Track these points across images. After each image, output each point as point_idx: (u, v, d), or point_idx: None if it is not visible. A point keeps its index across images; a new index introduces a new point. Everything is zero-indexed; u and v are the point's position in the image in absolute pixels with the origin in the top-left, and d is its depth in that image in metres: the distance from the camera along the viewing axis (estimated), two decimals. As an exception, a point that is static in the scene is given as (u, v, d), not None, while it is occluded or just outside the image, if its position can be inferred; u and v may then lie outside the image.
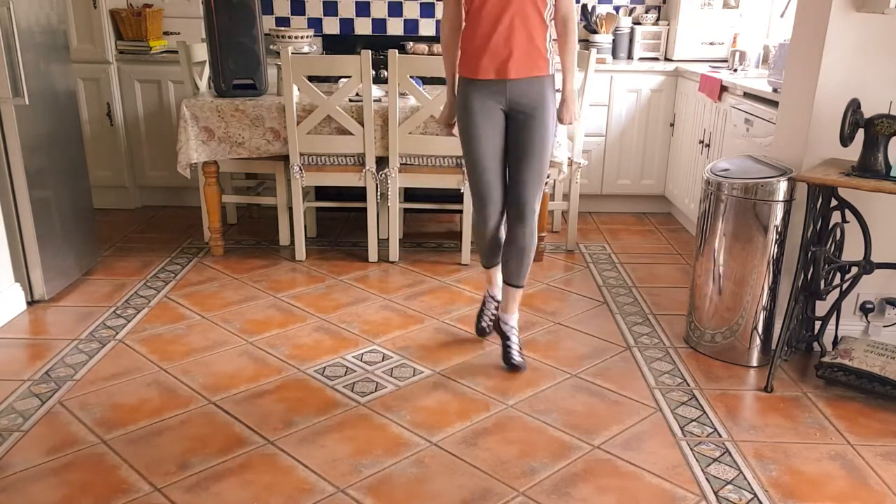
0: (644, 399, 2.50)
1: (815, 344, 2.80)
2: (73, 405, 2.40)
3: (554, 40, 2.51)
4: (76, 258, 3.37)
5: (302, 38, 4.17)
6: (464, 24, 2.52)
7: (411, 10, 4.79)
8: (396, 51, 3.33)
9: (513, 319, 2.75)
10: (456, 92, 2.60)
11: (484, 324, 2.90)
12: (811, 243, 2.54)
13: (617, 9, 4.77)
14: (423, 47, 4.51)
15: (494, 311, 2.87)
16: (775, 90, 3.18)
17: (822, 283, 2.58)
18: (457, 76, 2.59)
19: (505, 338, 2.73)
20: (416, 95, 3.38)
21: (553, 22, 2.50)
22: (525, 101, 2.49)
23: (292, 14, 4.78)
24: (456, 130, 2.66)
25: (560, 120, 2.61)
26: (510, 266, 2.65)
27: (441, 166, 3.54)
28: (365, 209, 3.67)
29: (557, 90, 2.59)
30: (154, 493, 1.99)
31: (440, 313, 3.14)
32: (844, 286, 2.67)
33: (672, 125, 4.45)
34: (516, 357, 2.68)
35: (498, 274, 2.82)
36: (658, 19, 4.74)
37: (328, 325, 3.02)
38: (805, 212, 2.51)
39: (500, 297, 2.84)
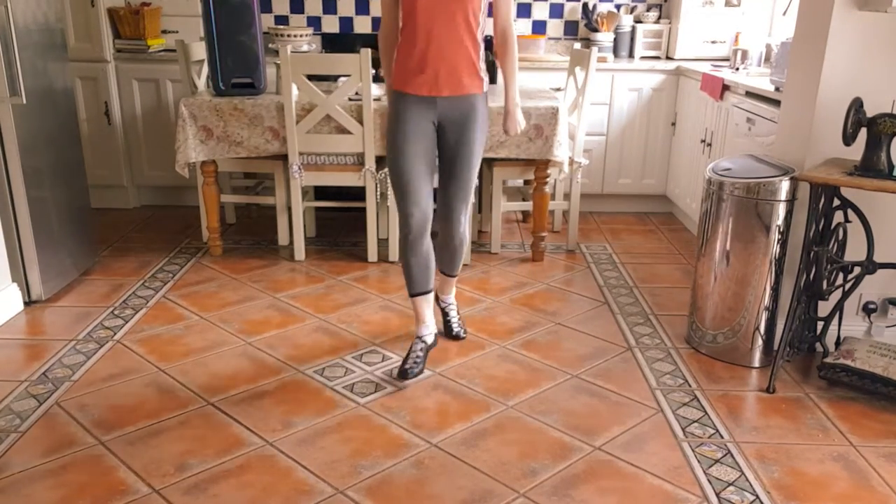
0: (645, 400, 2.49)
1: (818, 344, 2.79)
2: (71, 406, 2.39)
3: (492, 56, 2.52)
4: (74, 258, 3.36)
5: (301, 36, 4.16)
6: (399, 37, 2.50)
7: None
8: (396, 49, 3.31)
9: (450, 297, 2.93)
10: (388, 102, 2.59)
11: (408, 365, 2.57)
12: (813, 243, 2.53)
13: (618, 7, 4.76)
14: (423, 46, 4.49)
15: (420, 353, 2.63)
16: (777, 89, 3.17)
17: (825, 283, 2.56)
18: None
19: (444, 314, 2.92)
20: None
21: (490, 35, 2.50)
22: (456, 116, 2.50)
23: (291, 12, 4.76)
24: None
25: (505, 131, 2.66)
26: (444, 262, 2.78)
27: (441, 165, 3.52)
28: (364, 209, 3.66)
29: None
30: (152, 494, 1.97)
31: (440, 313, 3.12)
32: (847, 286, 2.65)
33: (673, 124, 4.44)
34: (455, 327, 2.90)
35: (427, 309, 2.69)
36: (659, 18, 4.73)
37: (327, 325, 3.00)
38: (807, 211, 2.50)
39: (429, 340, 2.70)
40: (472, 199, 2.70)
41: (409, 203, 2.53)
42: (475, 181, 2.64)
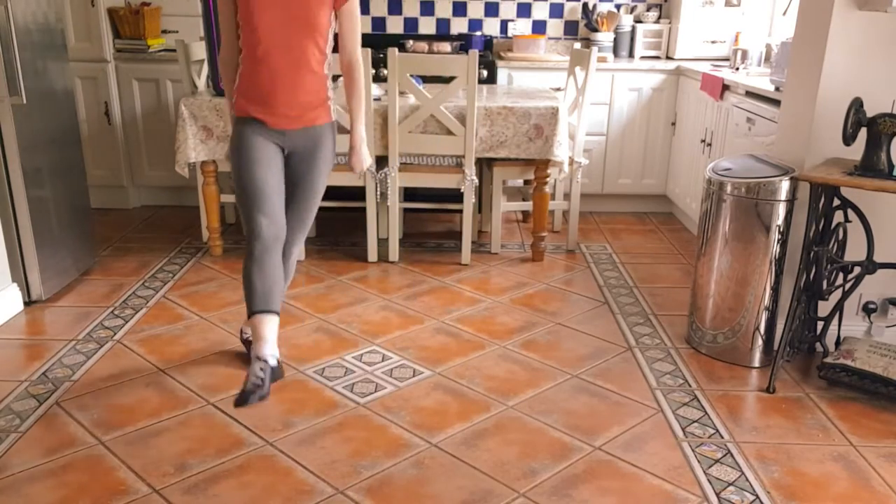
0: (645, 400, 2.49)
1: (818, 344, 2.78)
2: (71, 406, 2.39)
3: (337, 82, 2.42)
4: (74, 258, 3.35)
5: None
6: (240, 62, 2.39)
7: (411, 8, 4.77)
8: (396, 49, 3.31)
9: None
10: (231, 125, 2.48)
11: (247, 388, 2.23)
12: (813, 243, 2.53)
13: (618, 7, 4.76)
14: (424, 45, 4.49)
15: (261, 374, 2.26)
16: (777, 89, 3.17)
17: (825, 283, 2.56)
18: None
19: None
20: (416, 94, 3.36)
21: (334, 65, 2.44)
22: (302, 147, 2.44)
23: (291, 12, 4.75)
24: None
25: (350, 167, 2.60)
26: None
27: (441, 165, 3.53)
28: (364, 209, 3.65)
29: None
30: (152, 494, 1.97)
31: (440, 313, 3.12)
32: (847, 286, 2.65)
33: (673, 124, 4.44)
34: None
35: (271, 327, 2.34)
36: (659, 17, 4.73)
37: (327, 325, 3.00)
38: (807, 211, 2.50)
39: (271, 360, 2.31)
40: (307, 232, 2.61)
41: (258, 212, 2.36)
42: (314, 212, 2.56)
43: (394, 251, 3.69)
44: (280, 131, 2.41)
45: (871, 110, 2.45)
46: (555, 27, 4.82)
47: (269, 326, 2.32)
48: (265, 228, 2.37)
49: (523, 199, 4.12)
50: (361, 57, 2.53)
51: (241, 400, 2.22)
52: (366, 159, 2.62)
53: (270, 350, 2.31)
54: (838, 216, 2.60)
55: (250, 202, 2.39)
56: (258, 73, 2.34)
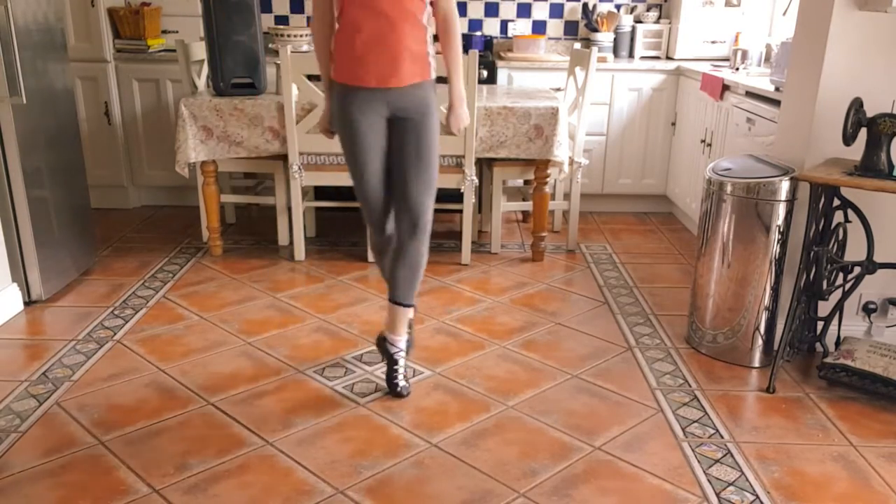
0: (645, 400, 2.49)
1: (818, 344, 2.79)
2: (71, 406, 2.39)
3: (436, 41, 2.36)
4: (74, 258, 3.35)
5: (301, 36, 4.16)
6: (336, 24, 2.33)
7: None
8: (396, 49, 3.30)
9: (401, 341, 2.50)
10: (333, 97, 2.42)
11: (399, 381, 2.50)
12: (813, 243, 2.53)
13: (618, 7, 4.76)
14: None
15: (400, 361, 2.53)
16: (777, 89, 3.17)
17: (825, 283, 2.56)
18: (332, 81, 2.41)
19: (392, 361, 2.48)
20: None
21: (434, 21, 2.35)
22: (408, 107, 2.33)
23: (291, 12, 4.76)
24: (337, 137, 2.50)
25: (448, 128, 2.47)
26: (398, 282, 2.44)
27: (441, 165, 3.52)
28: (364, 209, 3.65)
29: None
30: (152, 494, 1.97)
31: (440, 313, 3.12)
32: (847, 286, 2.65)
33: (673, 124, 4.44)
34: (401, 382, 2.47)
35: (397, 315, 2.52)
36: (659, 18, 4.73)
37: (327, 325, 3.00)
38: (807, 211, 2.50)
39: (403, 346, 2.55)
40: (433, 201, 2.44)
41: (379, 214, 2.44)
42: (437, 179, 2.43)
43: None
44: (381, 92, 2.29)
45: (871, 110, 2.45)
46: (555, 27, 4.82)
47: (398, 316, 2.50)
48: (382, 225, 2.47)
49: (523, 199, 4.12)
50: (457, 10, 2.39)
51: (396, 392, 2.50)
52: (464, 119, 2.47)
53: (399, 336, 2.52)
54: (838, 216, 2.60)
55: (365, 203, 2.45)
56: (354, 28, 2.25)
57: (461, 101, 2.45)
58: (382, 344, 2.54)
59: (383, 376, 2.59)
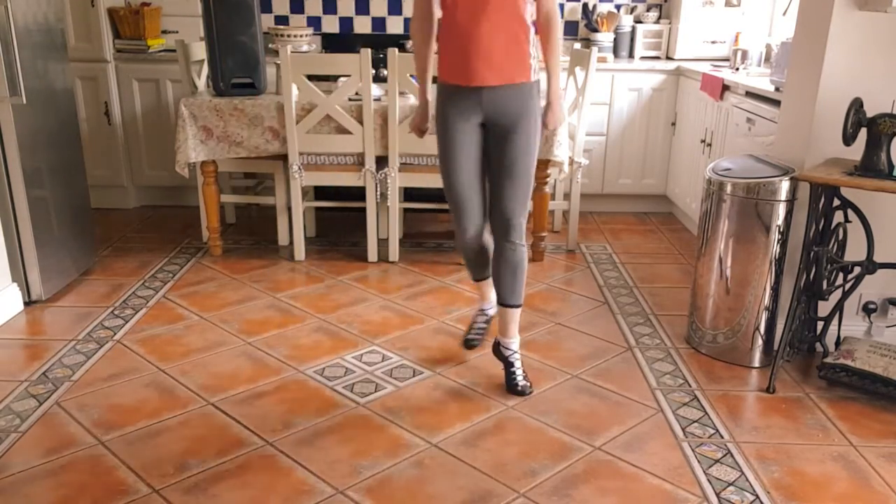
0: (645, 400, 2.49)
1: (818, 344, 2.78)
2: (71, 406, 2.39)
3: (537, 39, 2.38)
4: (74, 258, 3.35)
5: (301, 36, 4.16)
6: (439, 24, 2.37)
7: (411, 9, 4.76)
8: (396, 49, 3.31)
9: (514, 343, 2.55)
10: (432, 96, 2.48)
11: (471, 335, 2.80)
12: (813, 243, 2.53)
13: (618, 7, 4.76)
14: (423, 46, 4.49)
15: (483, 325, 2.81)
16: (777, 89, 3.17)
17: (825, 283, 2.56)
18: (430, 80, 2.45)
19: (508, 364, 2.55)
20: (416, 94, 3.36)
21: (535, 21, 2.37)
22: (506, 111, 2.33)
23: (291, 12, 4.76)
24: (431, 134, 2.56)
25: (544, 125, 2.44)
26: (502, 285, 2.48)
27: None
28: (364, 209, 3.65)
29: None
30: (152, 494, 1.97)
31: (440, 313, 3.12)
32: (847, 286, 2.65)
33: (673, 124, 4.44)
34: (521, 382, 2.52)
35: (489, 288, 2.70)
36: (659, 18, 4.73)
37: (327, 325, 3.00)
38: (807, 211, 2.50)
39: (490, 312, 2.79)
40: (529, 204, 2.47)
41: (463, 217, 2.47)
42: (532, 184, 2.44)
43: (394, 251, 3.69)
44: (480, 91, 2.30)
45: (871, 110, 2.45)
46: (555, 27, 4.81)
47: (488, 288, 2.70)
48: (469, 229, 2.51)
49: (523, 200, 4.11)
50: (559, 10, 2.41)
51: (466, 344, 2.78)
52: (561, 118, 2.47)
53: (490, 305, 2.77)
54: (838, 216, 2.60)
55: (454, 205, 2.49)
56: (457, 26, 2.27)
57: (558, 100, 2.44)
58: (497, 349, 2.60)
59: (383, 376, 2.60)
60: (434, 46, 2.46)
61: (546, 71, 2.42)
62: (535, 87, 2.37)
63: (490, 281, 2.63)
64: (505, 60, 2.28)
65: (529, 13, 2.32)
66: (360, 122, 3.42)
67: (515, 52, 2.29)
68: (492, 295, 2.70)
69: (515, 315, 2.53)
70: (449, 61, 2.33)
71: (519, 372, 2.54)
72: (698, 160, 4.03)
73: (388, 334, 2.93)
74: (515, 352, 2.56)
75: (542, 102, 2.43)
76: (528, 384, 2.53)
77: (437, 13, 2.40)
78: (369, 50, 3.33)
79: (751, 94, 3.47)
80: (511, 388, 2.52)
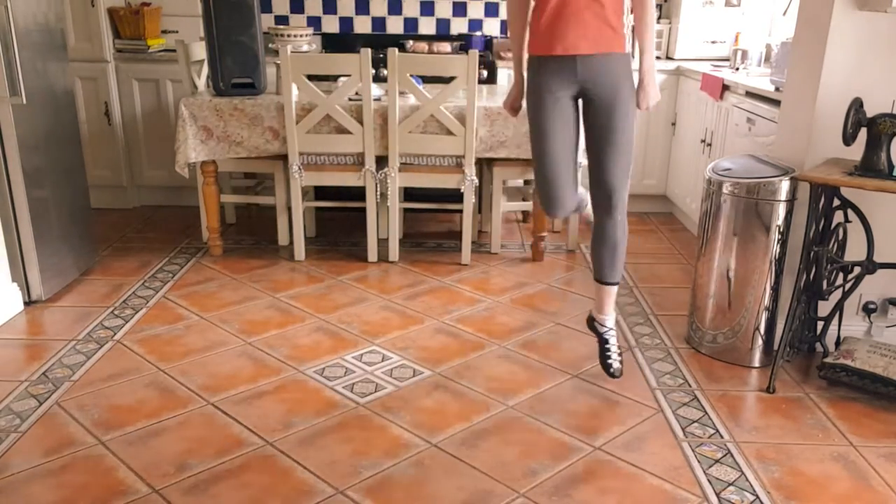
0: (645, 400, 2.49)
1: (818, 344, 2.78)
2: (71, 406, 2.39)
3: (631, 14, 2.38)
4: (74, 258, 3.36)
5: (301, 36, 4.16)
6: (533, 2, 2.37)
7: (411, 9, 4.77)
8: (396, 49, 3.31)
9: (609, 320, 2.56)
10: (525, 73, 2.46)
11: (614, 362, 2.60)
12: (813, 243, 2.53)
13: (617, 7, 4.75)
14: (423, 45, 4.50)
15: (618, 349, 2.63)
16: (777, 89, 3.17)
17: (825, 283, 2.56)
18: (525, 55, 2.46)
19: (603, 341, 2.56)
20: (416, 94, 3.36)
21: None
22: (602, 81, 2.31)
23: (291, 12, 4.76)
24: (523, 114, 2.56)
25: (637, 104, 2.38)
26: (602, 261, 2.47)
27: (441, 166, 3.53)
28: (364, 209, 3.65)
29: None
30: (152, 494, 1.97)
31: (440, 313, 3.12)
32: (847, 286, 2.65)
33: (673, 124, 4.43)
34: (615, 362, 2.52)
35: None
36: (659, 18, 4.72)
37: (327, 325, 3.00)
38: (807, 211, 2.50)
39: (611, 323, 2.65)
40: (629, 181, 2.39)
41: (552, 194, 2.46)
42: (632, 156, 2.38)
43: (394, 251, 3.69)
44: (571, 61, 2.30)
45: (870, 110, 2.45)
46: (555, 27, 4.81)
47: (603, 295, 2.57)
48: (558, 213, 2.53)
49: (523, 199, 4.12)
50: None
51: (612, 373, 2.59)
52: (654, 96, 2.40)
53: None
54: (838, 216, 2.60)
55: (542, 186, 2.48)
56: (551, 2, 2.27)
57: (651, 76, 2.38)
58: (591, 324, 2.61)
59: (383, 376, 2.60)
60: (527, 24, 2.46)
61: (638, 45, 2.40)
62: (629, 60, 2.36)
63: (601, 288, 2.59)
64: (599, 30, 2.28)
65: None
66: (360, 121, 3.42)
67: (606, 23, 2.28)
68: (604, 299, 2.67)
69: (613, 292, 2.53)
70: (541, 33, 2.33)
71: (614, 350, 2.54)
72: (698, 160, 4.03)
73: (388, 334, 2.93)
74: (611, 329, 2.56)
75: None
76: (621, 366, 2.55)
77: None
78: (369, 50, 3.33)
79: (751, 94, 3.47)
80: (605, 367, 2.55)
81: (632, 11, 2.40)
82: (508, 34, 2.52)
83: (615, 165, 2.37)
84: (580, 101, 2.41)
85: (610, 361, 2.55)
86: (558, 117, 2.38)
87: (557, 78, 2.34)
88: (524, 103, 2.52)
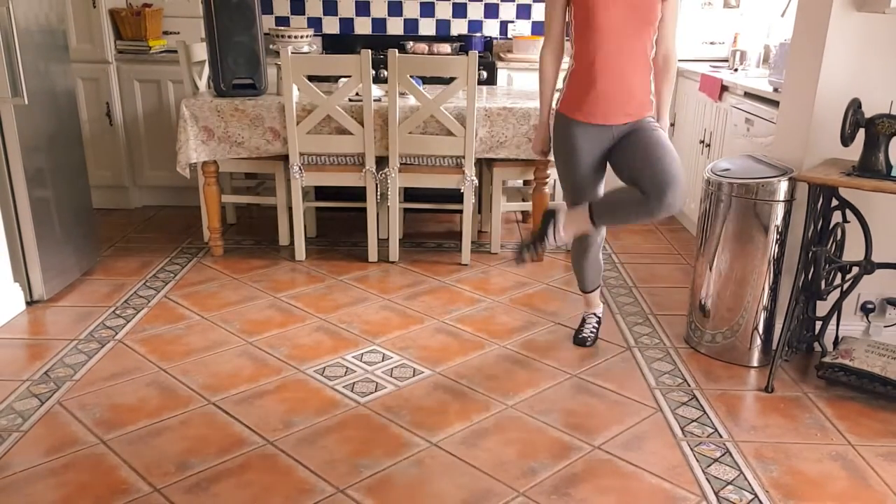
0: (644, 399, 2.50)
1: (816, 344, 2.79)
2: (73, 405, 2.40)
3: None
4: (75, 258, 3.37)
5: (301, 37, 4.17)
6: (572, 62, 2.49)
7: (411, 10, 4.78)
8: (396, 50, 3.32)
9: (566, 237, 2.65)
10: (552, 122, 2.62)
11: (584, 334, 2.89)
12: (812, 243, 2.54)
13: (617, 8, 4.76)
14: (423, 47, 4.51)
15: (596, 326, 2.92)
16: (776, 90, 3.18)
17: (823, 283, 2.57)
18: (552, 107, 2.63)
19: (544, 232, 2.65)
20: (416, 95, 3.37)
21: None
22: (626, 132, 2.49)
23: (292, 14, 4.77)
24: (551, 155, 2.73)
25: None
26: (616, 209, 2.49)
27: (441, 166, 3.54)
28: (365, 209, 3.66)
29: None
30: (153, 493, 1.98)
31: (440, 313, 3.13)
32: (845, 286, 2.66)
33: (672, 125, 4.44)
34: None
35: (597, 296, 2.92)
36: (658, 19, 4.73)
37: (328, 325, 3.01)
38: (806, 212, 2.51)
39: (600, 314, 2.95)
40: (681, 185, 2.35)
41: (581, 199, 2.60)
42: (676, 162, 2.38)
43: (394, 251, 3.70)
44: (608, 127, 2.48)
45: (869, 111, 2.46)
46: (555, 28, 4.82)
47: (596, 297, 2.93)
48: (581, 238, 2.70)
49: (523, 200, 4.13)
50: (676, 52, 2.55)
51: (580, 342, 2.87)
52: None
53: (600, 309, 2.96)
54: (836, 216, 2.61)
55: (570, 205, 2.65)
56: (594, 72, 2.41)
57: (664, 127, 2.56)
58: (549, 215, 2.65)
59: (384, 376, 2.61)
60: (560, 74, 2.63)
61: (657, 103, 2.56)
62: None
63: (598, 291, 2.90)
64: (634, 101, 2.45)
65: (652, 53, 2.47)
66: (361, 122, 3.43)
67: (642, 93, 2.47)
68: (598, 301, 2.94)
69: (584, 228, 2.60)
70: (579, 99, 2.47)
71: (548, 242, 2.64)
72: (697, 161, 4.04)
73: (389, 334, 2.94)
74: (557, 242, 2.65)
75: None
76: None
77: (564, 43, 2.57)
78: (369, 51, 3.34)
79: (749, 95, 3.48)
80: (539, 239, 2.67)
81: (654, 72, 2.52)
82: (540, 80, 2.63)
83: (672, 163, 2.36)
84: (611, 147, 2.54)
85: (547, 238, 2.64)
86: (591, 163, 2.55)
87: (590, 136, 2.51)
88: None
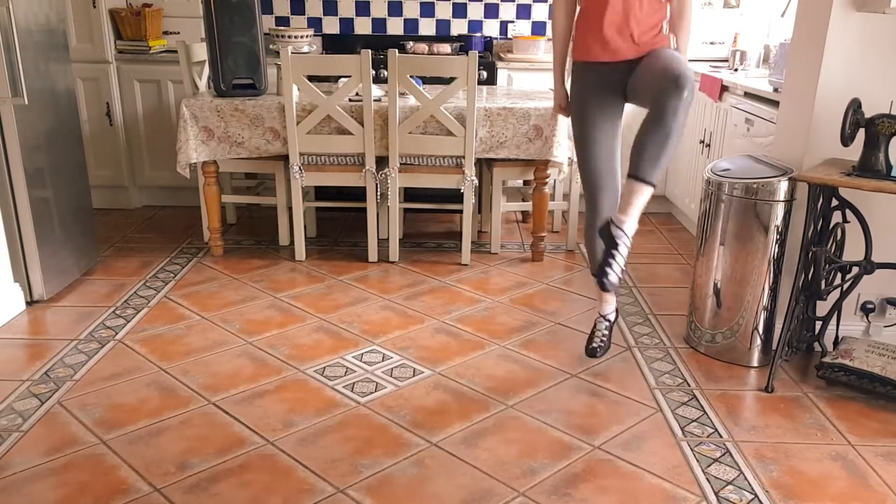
0: (644, 399, 2.50)
1: (816, 344, 2.79)
2: (73, 405, 2.40)
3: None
4: (75, 258, 3.37)
5: (301, 37, 4.17)
6: (579, 6, 2.52)
7: (411, 10, 4.78)
8: (396, 50, 3.32)
9: (628, 225, 2.29)
10: (569, 77, 2.62)
11: (595, 344, 2.76)
12: (812, 243, 2.54)
13: (617, 8, 4.76)
14: (423, 47, 4.51)
15: (606, 332, 2.79)
16: (776, 90, 3.18)
17: (823, 283, 2.57)
18: (567, 62, 2.61)
19: (611, 244, 2.28)
20: (416, 95, 3.37)
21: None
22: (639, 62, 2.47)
23: (292, 14, 4.77)
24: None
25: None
26: (645, 153, 2.21)
27: (441, 166, 3.54)
28: (365, 209, 3.67)
29: None
30: (153, 493, 1.98)
31: (440, 313, 3.13)
32: (845, 286, 2.66)
33: (672, 125, 4.43)
34: (613, 274, 2.26)
35: (612, 294, 2.78)
36: (658, 19, 4.73)
37: (328, 325, 3.01)
38: (806, 212, 2.51)
39: (611, 317, 2.81)
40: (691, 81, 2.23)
41: (598, 196, 2.59)
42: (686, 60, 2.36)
43: (394, 251, 3.71)
44: (616, 64, 2.48)
45: (869, 111, 2.46)
46: (555, 28, 4.82)
47: (608, 295, 2.75)
48: (605, 206, 2.60)
49: (523, 200, 4.13)
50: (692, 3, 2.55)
51: (590, 354, 2.74)
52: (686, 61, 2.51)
53: (611, 308, 2.79)
54: (836, 216, 2.61)
55: (588, 184, 2.61)
56: (595, 6, 2.43)
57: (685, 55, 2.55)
58: (607, 228, 2.32)
59: (384, 376, 2.61)
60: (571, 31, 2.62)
61: (675, 45, 2.56)
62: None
63: (613, 292, 2.72)
64: (643, 37, 2.45)
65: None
66: (361, 122, 3.44)
67: (653, 30, 2.46)
68: (613, 301, 2.81)
69: (644, 194, 2.27)
70: (587, 41, 2.48)
71: (619, 261, 2.26)
72: (697, 161, 4.04)
73: (389, 334, 2.94)
74: (627, 235, 2.28)
75: None
76: (618, 281, 2.30)
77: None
78: (369, 51, 3.34)
79: (749, 95, 3.48)
80: (600, 273, 2.29)
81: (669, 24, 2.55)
82: (553, 37, 2.66)
83: (679, 62, 2.26)
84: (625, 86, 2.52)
85: (608, 270, 2.26)
86: (605, 120, 2.53)
87: (603, 79, 2.50)
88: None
